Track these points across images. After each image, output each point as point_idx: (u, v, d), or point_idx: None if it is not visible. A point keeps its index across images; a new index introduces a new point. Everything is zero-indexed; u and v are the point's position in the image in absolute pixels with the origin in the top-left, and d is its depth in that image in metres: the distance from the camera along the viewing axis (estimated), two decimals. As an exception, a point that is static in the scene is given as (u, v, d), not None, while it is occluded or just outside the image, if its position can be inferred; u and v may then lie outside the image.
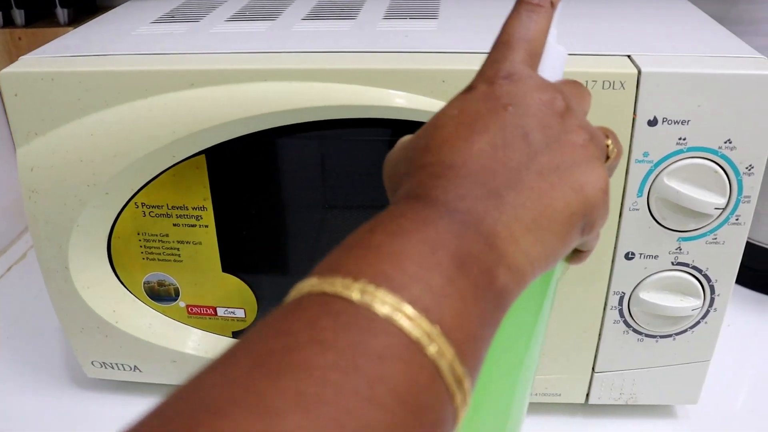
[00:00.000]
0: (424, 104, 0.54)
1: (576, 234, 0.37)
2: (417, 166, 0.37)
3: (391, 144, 0.57)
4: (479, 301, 0.32)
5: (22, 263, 0.95)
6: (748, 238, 0.82)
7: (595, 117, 0.52)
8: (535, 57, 0.41)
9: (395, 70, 0.53)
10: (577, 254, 0.45)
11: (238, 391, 0.26)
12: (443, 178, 0.35)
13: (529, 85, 0.38)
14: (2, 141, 0.97)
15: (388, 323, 0.28)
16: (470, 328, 0.31)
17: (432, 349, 0.29)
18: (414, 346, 0.28)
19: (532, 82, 0.39)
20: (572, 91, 0.42)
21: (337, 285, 0.30)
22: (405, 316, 0.29)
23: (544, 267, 0.36)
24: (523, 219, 0.35)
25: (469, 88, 0.39)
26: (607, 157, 0.41)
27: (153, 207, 0.61)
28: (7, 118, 0.97)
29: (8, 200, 0.99)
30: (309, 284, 0.31)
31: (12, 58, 0.57)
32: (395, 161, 0.40)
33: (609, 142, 0.42)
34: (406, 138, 0.41)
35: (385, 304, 0.29)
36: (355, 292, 0.29)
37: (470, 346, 0.31)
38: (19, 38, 0.93)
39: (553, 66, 0.43)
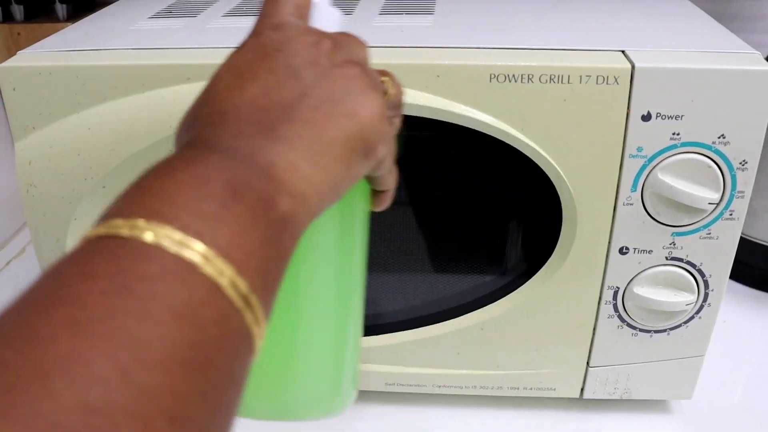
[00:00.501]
0: (420, 99, 0.54)
1: (358, 158, 0.40)
2: (195, 119, 0.39)
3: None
4: (258, 226, 0.33)
5: (21, 258, 0.96)
6: (744, 234, 0.83)
7: (589, 112, 0.53)
8: (302, 9, 0.44)
9: (390, 64, 0.54)
10: (377, 195, 0.49)
11: (8, 329, 0.27)
12: (216, 125, 0.37)
13: (295, 31, 0.41)
14: (0, 136, 0.98)
15: (159, 249, 0.29)
16: (251, 248, 0.32)
17: (209, 269, 0.29)
18: (188, 266, 0.29)
19: (299, 29, 0.41)
20: (343, 38, 0.44)
21: (109, 226, 0.30)
22: (174, 241, 0.29)
23: (331, 192, 0.38)
24: (299, 148, 0.37)
25: (241, 44, 0.41)
26: (385, 93, 0.44)
27: (150, 201, 0.61)
28: (5, 112, 0.98)
29: (6, 195, 0.99)
30: (87, 231, 0.31)
31: (11, 53, 0.58)
32: (182, 121, 0.41)
33: (385, 79, 0.44)
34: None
35: (152, 233, 0.29)
36: (124, 228, 0.30)
37: (253, 264, 0.32)
38: (18, 33, 0.94)
39: (327, 25, 0.45)
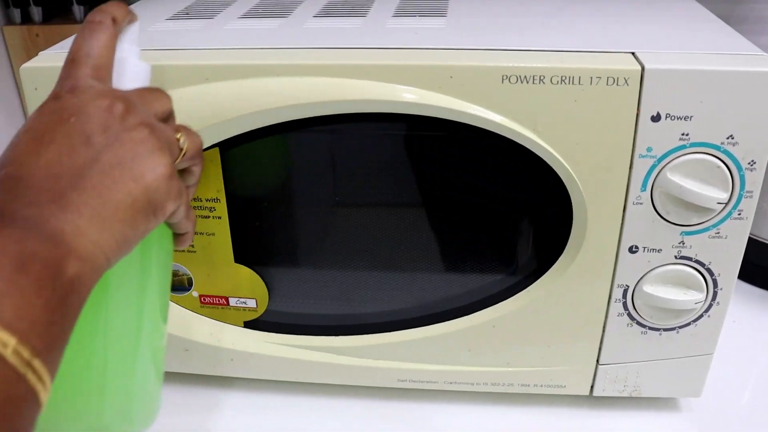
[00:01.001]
0: (433, 99, 0.55)
1: (145, 217, 0.44)
2: None
3: (401, 138, 0.59)
4: (43, 293, 0.36)
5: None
6: (755, 235, 0.83)
7: (600, 113, 0.54)
8: (101, 69, 0.47)
9: (404, 66, 0.55)
10: (178, 237, 0.54)
11: None
12: (12, 191, 0.40)
13: (90, 95, 0.45)
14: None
15: None
16: (35, 316, 0.36)
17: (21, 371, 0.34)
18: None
19: (94, 92, 0.45)
20: (143, 96, 0.48)
21: None
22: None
23: (120, 249, 0.43)
24: (86, 214, 0.41)
25: (41, 106, 0.45)
26: (180, 149, 0.49)
27: (168, 199, 0.62)
28: (25, 114, 0.99)
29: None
30: None
31: (30, 55, 0.59)
32: None
33: (179, 135, 0.49)
34: None
35: None
36: None
37: (38, 330, 0.36)
38: (37, 35, 0.95)
39: (133, 79, 0.50)
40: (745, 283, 0.90)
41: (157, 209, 0.45)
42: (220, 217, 0.63)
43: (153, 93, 0.50)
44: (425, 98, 0.55)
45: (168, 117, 0.51)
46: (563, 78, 0.53)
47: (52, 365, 0.37)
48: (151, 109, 0.48)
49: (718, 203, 0.57)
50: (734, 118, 0.54)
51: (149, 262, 0.52)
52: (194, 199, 0.62)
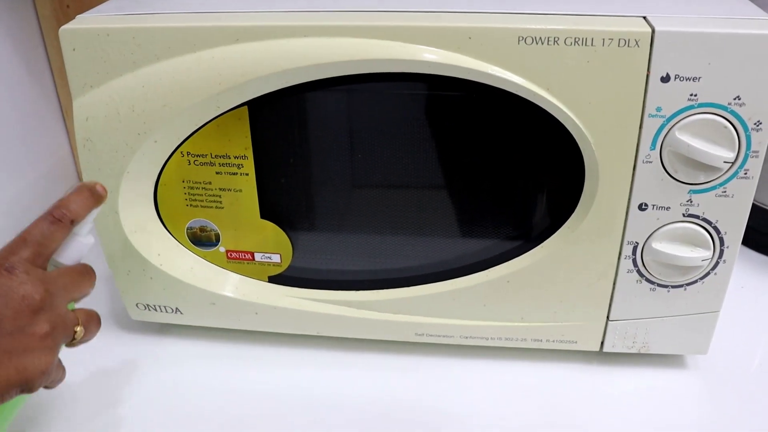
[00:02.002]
0: (452, 59, 0.57)
1: (13, 395, 0.50)
2: None
3: (422, 98, 0.61)
4: None
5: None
6: (761, 203, 0.86)
7: (611, 73, 0.57)
8: (42, 256, 0.55)
9: (426, 27, 0.57)
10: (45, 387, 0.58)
11: None
12: None
13: (20, 281, 0.52)
14: (48, 105, 1.02)
15: None
16: None
17: None
18: None
19: (25, 278, 0.52)
20: (68, 282, 0.56)
21: None
22: None
23: None
24: None
25: None
26: (73, 339, 0.57)
27: (197, 156, 0.65)
28: (54, 84, 1.02)
29: (54, 162, 1.04)
30: None
31: (60, 24, 0.61)
32: None
33: (78, 327, 0.57)
34: None
35: None
36: None
37: None
38: (68, 6, 0.98)
39: (74, 255, 0.59)
40: (753, 251, 0.92)
41: (27, 389, 0.51)
42: (247, 174, 0.66)
43: (78, 278, 0.58)
44: (445, 58, 0.57)
45: (83, 297, 0.59)
46: (577, 39, 0.56)
47: None
48: (69, 296, 0.57)
49: (725, 162, 0.59)
50: (741, 80, 0.57)
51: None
52: (222, 156, 0.65)
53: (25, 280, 0.52)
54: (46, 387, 0.57)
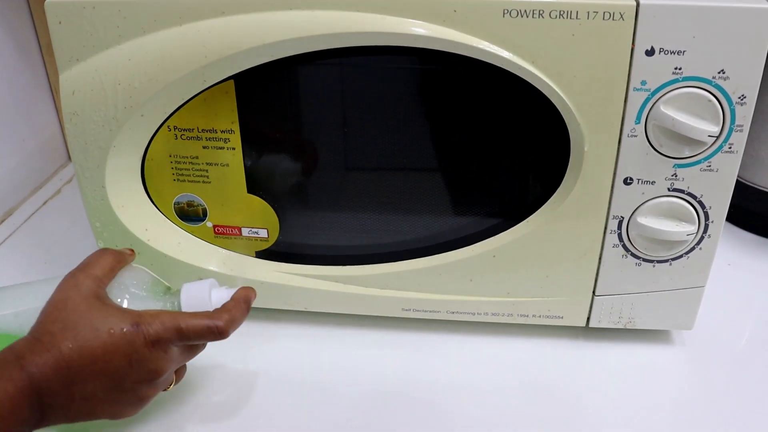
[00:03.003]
0: (438, 32, 0.57)
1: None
2: (56, 336, 0.54)
3: (407, 72, 0.61)
4: None
5: (57, 198, 1.01)
6: (750, 182, 0.86)
7: (596, 46, 0.57)
8: (183, 343, 0.58)
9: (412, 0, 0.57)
10: None
11: None
12: (54, 368, 0.52)
13: (157, 358, 0.56)
14: (36, 83, 1.02)
15: None
16: None
17: None
18: None
19: (161, 357, 0.56)
20: (189, 354, 0.61)
21: None
22: None
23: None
24: (69, 416, 0.54)
25: (136, 325, 0.55)
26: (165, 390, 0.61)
27: (184, 130, 0.65)
28: (43, 61, 1.02)
29: (43, 139, 1.04)
30: None
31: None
32: (60, 298, 0.57)
33: (170, 387, 0.62)
34: (80, 285, 0.59)
35: None
36: None
37: None
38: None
39: (194, 308, 0.61)
40: (741, 229, 0.92)
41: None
42: (233, 149, 0.66)
43: (197, 349, 0.62)
44: (430, 31, 0.57)
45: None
46: (562, 12, 0.56)
47: None
48: (183, 362, 0.62)
49: (710, 136, 0.59)
50: (725, 54, 0.57)
51: None
52: (209, 130, 0.65)
53: (160, 358, 0.56)
54: None
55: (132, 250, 0.66)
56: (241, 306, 0.61)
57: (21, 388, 0.50)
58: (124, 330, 0.54)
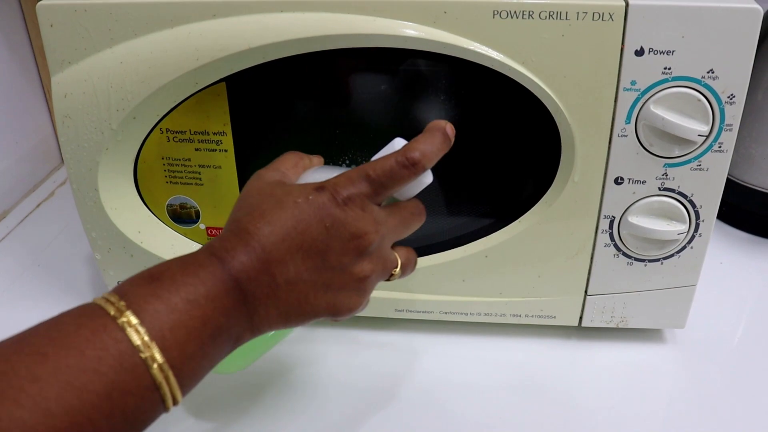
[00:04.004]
0: (428, 33, 0.58)
1: (321, 320, 0.52)
2: (242, 221, 0.49)
3: (398, 73, 0.62)
4: (215, 357, 0.45)
5: (50, 200, 1.01)
6: (742, 180, 0.86)
7: (585, 47, 0.57)
8: (382, 195, 0.51)
9: (401, 1, 0.57)
10: None
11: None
12: (249, 255, 0.46)
13: (355, 216, 0.49)
14: (30, 85, 1.02)
15: (145, 369, 0.40)
16: (199, 375, 0.44)
17: (164, 390, 0.41)
18: (153, 386, 0.40)
19: (360, 215, 0.49)
20: (398, 223, 0.54)
21: (103, 298, 0.42)
22: (159, 368, 0.40)
23: (284, 328, 0.51)
24: (280, 308, 0.48)
25: (320, 189, 0.49)
26: (388, 279, 0.56)
27: (176, 132, 0.66)
28: (36, 63, 1.02)
29: (36, 142, 1.04)
30: (110, 298, 0.42)
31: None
32: (248, 191, 0.52)
33: (396, 270, 0.56)
34: (264, 178, 0.54)
35: (149, 356, 0.40)
36: (111, 307, 0.41)
37: (192, 385, 0.44)
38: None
39: (407, 191, 0.55)
40: (734, 228, 0.93)
41: (332, 320, 0.53)
42: (226, 150, 0.66)
43: (410, 218, 0.55)
44: (421, 33, 0.58)
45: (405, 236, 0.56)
46: (551, 13, 0.56)
47: (185, 391, 0.43)
48: (397, 237, 0.55)
49: (699, 135, 0.60)
50: (714, 53, 0.57)
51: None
52: (201, 132, 0.65)
53: (359, 217, 0.49)
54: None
55: (320, 157, 0.61)
56: (435, 135, 0.53)
57: (223, 282, 0.45)
58: (310, 197, 0.49)
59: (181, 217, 0.71)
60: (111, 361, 0.39)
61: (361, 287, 0.51)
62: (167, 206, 0.70)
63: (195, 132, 0.65)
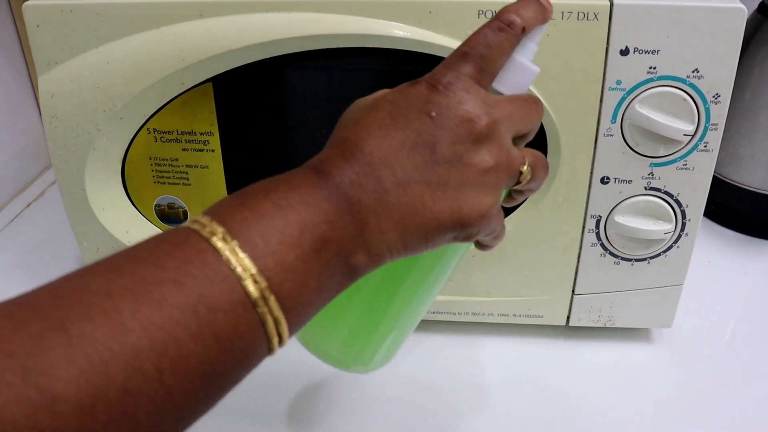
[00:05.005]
0: (413, 33, 0.58)
1: (445, 240, 0.43)
2: (339, 134, 0.44)
3: (385, 73, 0.61)
4: (322, 278, 0.38)
5: (40, 200, 1.00)
6: (731, 180, 0.87)
7: (570, 47, 0.57)
8: (486, 73, 0.45)
9: (386, 1, 0.58)
10: (479, 245, 0.50)
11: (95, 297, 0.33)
12: (348, 160, 0.41)
13: (460, 99, 0.43)
14: (20, 85, 1.02)
15: (235, 281, 0.35)
16: (304, 297, 0.38)
17: (260, 308, 0.35)
18: (249, 303, 0.35)
19: (465, 97, 0.43)
20: (513, 110, 0.45)
21: (198, 222, 0.37)
22: (252, 279, 0.35)
23: (406, 254, 0.42)
24: (394, 217, 0.41)
25: (416, 82, 0.44)
26: (518, 182, 0.46)
27: (164, 132, 0.66)
28: (26, 63, 1.02)
29: (26, 141, 1.03)
30: (195, 218, 0.38)
31: None
32: (344, 115, 0.46)
33: (525, 168, 0.46)
34: (359, 101, 0.47)
35: (239, 265, 0.35)
36: (206, 230, 0.36)
37: (300, 311, 0.38)
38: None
39: (516, 82, 0.47)
40: (722, 227, 0.93)
41: (461, 238, 0.44)
42: (213, 151, 0.66)
43: (526, 107, 0.47)
44: (406, 33, 0.58)
45: (528, 134, 0.48)
46: (536, 13, 0.56)
47: (294, 324, 0.38)
48: (514, 128, 0.46)
49: (685, 135, 0.60)
50: (699, 53, 0.57)
51: (442, 254, 0.51)
52: (188, 132, 0.65)
53: (465, 99, 0.43)
54: (480, 246, 0.50)
55: None
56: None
57: (321, 188, 0.39)
58: (401, 90, 0.44)
59: (169, 217, 0.71)
60: (194, 271, 0.34)
61: (487, 181, 0.43)
62: (155, 206, 0.70)
63: (182, 132, 0.65)
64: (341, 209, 0.39)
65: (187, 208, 0.70)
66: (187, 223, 0.37)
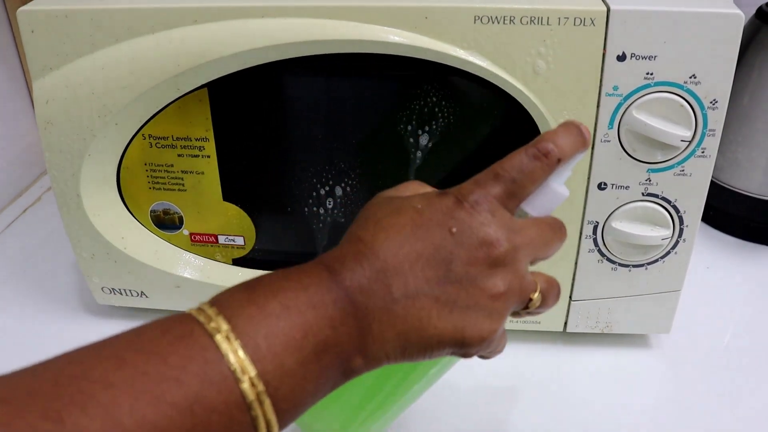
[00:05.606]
0: (410, 39, 0.58)
1: (443, 354, 0.43)
2: (357, 231, 0.43)
3: (380, 78, 0.61)
4: (320, 380, 0.39)
5: (37, 205, 1.00)
6: (729, 185, 0.86)
7: (567, 53, 0.57)
8: (515, 197, 0.45)
9: (382, 7, 0.57)
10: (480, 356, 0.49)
11: (83, 383, 0.33)
12: (361, 262, 0.41)
13: (483, 221, 0.43)
14: (16, 90, 1.02)
15: (234, 382, 0.35)
16: (299, 400, 0.38)
17: (256, 413, 0.36)
18: (244, 405, 0.35)
19: (489, 220, 0.43)
20: (535, 236, 0.46)
21: (202, 312, 0.38)
22: (249, 382, 0.35)
23: (402, 362, 0.43)
24: (398, 328, 0.41)
25: (444, 194, 0.44)
26: (526, 307, 0.47)
27: (159, 138, 0.65)
28: (22, 68, 1.02)
29: (23, 146, 1.03)
30: (202, 306, 0.38)
31: (24, 1, 0.62)
32: (366, 208, 0.46)
33: (535, 295, 0.47)
34: (383, 195, 0.47)
35: (239, 367, 0.35)
36: (211, 322, 0.36)
37: (293, 412, 0.38)
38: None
39: (544, 205, 0.48)
40: (720, 232, 0.93)
41: (459, 354, 0.44)
42: (209, 156, 0.66)
43: (549, 233, 0.47)
44: (402, 38, 0.57)
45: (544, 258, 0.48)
46: (532, 18, 0.56)
47: (285, 423, 0.38)
48: (534, 253, 0.46)
49: (682, 141, 0.60)
50: (697, 58, 0.57)
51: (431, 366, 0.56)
52: (184, 138, 0.65)
53: (488, 222, 0.43)
54: (481, 356, 0.48)
55: None
56: (570, 128, 0.47)
57: (330, 290, 0.39)
58: (429, 199, 0.44)
59: (165, 222, 0.70)
60: (195, 369, 0.34)
61: (493, 307, 0.43)
62: (150, 212, 0.70)
63: (177, 138, 0.65)
64: (347, 313, 0.39)
65: (182, 214, 0.70)
66: (193, 311, 0.38)
